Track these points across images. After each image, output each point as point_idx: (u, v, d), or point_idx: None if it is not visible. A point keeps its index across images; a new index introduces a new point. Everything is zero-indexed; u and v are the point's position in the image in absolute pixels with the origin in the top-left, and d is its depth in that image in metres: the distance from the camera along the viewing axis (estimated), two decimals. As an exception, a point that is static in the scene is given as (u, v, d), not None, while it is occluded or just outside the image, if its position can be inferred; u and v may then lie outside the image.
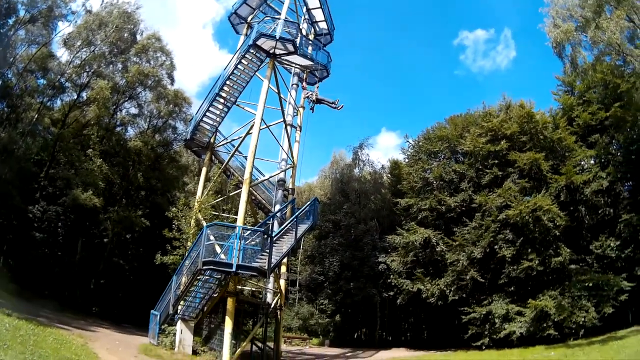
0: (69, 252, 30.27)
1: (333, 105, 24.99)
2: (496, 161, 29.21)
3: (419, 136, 36.70)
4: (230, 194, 25.15)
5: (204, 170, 24.17)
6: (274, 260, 17.32)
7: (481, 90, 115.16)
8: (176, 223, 21.91)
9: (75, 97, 32.02)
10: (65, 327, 17.73)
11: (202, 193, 23.20)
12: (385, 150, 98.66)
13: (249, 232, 17.63)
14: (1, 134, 27.28)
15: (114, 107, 33.00)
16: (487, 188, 29.13)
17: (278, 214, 21.52)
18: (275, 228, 19.90)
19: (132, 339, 20.48)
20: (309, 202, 22.05)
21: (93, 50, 31.53)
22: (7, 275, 26.42)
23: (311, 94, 24.87)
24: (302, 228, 20.14)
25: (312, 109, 25.02)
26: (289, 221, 19.97)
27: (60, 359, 11.16)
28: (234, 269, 16.02)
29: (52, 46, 31.08)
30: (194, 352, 17.59)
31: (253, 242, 17.69)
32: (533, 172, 27.92)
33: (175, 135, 36.90)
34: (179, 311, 18.44)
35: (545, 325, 23.33)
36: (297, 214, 20.26)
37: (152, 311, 20.12)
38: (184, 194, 32.02)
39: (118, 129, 35.87)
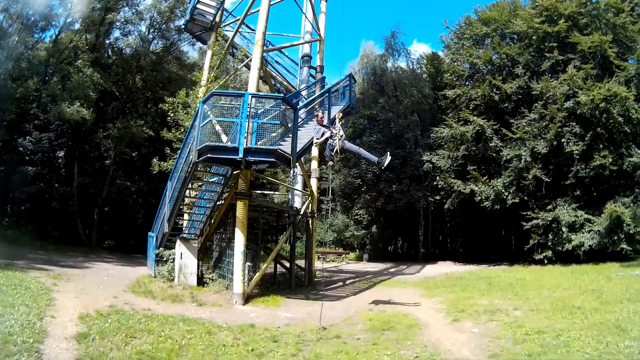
0: (68, 182, 24.63)
1: (376, 163, 11.94)
2: (555, 44, 23.29)
3: (460, 22, 29.07)
4: (239, 67, 18.71)
5: (208, 53, 18.13)
6: (300, 144, 10.82)
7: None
8: (171, 115, 15.65)
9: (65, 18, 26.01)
10: (44, 268, 13.56)
11: (208, 80, 16.86)
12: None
13: (263, 102, 10.54)
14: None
15: (105, 10, 25.61)
16: (547, 74, 23.42)
17: (304, 92, 14.94)
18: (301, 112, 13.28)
19: (133, 271, 15.30)
20: (342, 78, 15.44)
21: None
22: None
23: (332, 137, 9.79)
24: (336, 109, 13.66)
25: (332, 160, 10.14)
26: (318, 94, 13.52)
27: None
28: (240, 155, 9.57)
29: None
30: (200, 282, 11.80)
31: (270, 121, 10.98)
32: (597, 58, 22.44)
33: (179, 35, 29.36)
34: (183, 229, 12.73)
35: (616, 238, 18.88)
36: (328, 87, 13.83)
37: (149, 233, 14.28)
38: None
39: (117, 40, 28.92)
